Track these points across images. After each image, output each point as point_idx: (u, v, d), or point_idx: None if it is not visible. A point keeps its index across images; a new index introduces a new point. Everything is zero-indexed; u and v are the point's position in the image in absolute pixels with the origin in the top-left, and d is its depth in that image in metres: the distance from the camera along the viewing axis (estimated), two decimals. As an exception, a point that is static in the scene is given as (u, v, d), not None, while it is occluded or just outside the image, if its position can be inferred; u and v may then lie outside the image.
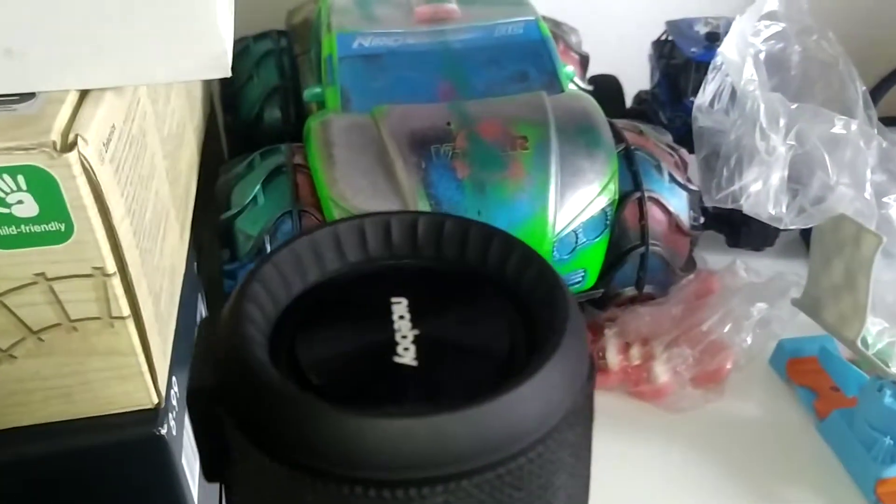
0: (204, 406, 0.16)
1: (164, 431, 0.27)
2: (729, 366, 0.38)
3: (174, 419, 0.28)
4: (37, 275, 0.24)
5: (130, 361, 0.26)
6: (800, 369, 0.40)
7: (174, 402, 0.29)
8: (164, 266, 0.29)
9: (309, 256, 0.18)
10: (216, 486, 0.34)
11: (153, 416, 0.27)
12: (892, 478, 0.34)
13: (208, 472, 0.17)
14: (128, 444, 0.27)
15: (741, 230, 0.45)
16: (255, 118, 0.46)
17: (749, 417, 0.39)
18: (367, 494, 0.14)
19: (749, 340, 0.37)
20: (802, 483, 0.36)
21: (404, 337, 0.17)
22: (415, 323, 0.17)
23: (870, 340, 0.37)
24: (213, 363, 0.16)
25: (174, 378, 0.29)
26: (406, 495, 0.14)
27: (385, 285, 0.18)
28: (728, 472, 0.36)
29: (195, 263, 0.36)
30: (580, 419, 0.16)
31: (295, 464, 0.15)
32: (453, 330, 0.17)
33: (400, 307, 0.18)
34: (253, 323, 0.16)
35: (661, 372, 0.37)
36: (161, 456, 0.28)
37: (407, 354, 0.17)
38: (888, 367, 0.36)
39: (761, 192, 0.35)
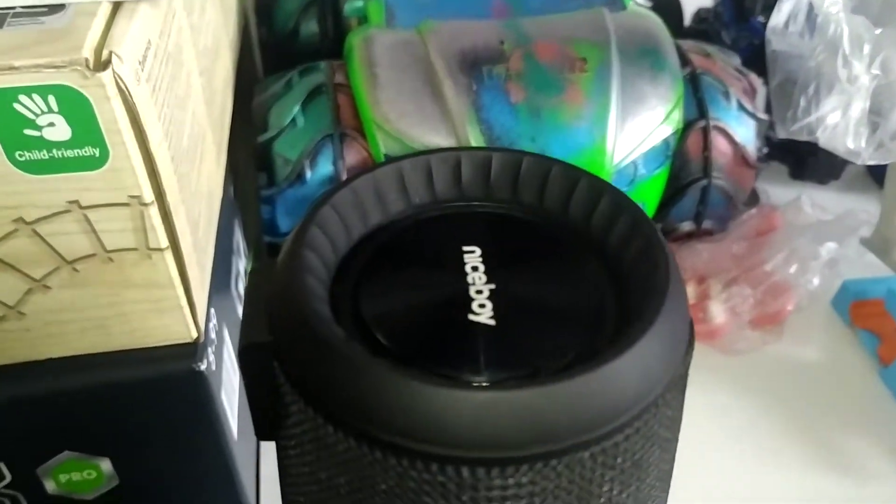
0: (258, 364, 0.14)
1: (203, 367, 0.26)
2: (790, 307, 0.36)
3: (213, 353, 0.27)
4: (70, 202, 0.22)
5: (169, 294, 0.25)
6: (864, 312, 0.38)
7: (213, 336, 0.27)
8: (201, 192, 0.28)
9: (370, 197, 0.16)
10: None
11: (192, 350, 0.26)
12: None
13: (260, 432, 0.16)
14: (166, 379, 0.26)
15: (807, 161, 0.42)
16: (290, 31, 0.44)
17: (808, 361, 0.37)
18: (444, 473, 0.13)
19: (816, 282, 0.35)
20: (862, 431, 0.34)
21: (479, 292, 0.15)
22: (490, 276, 0.15)
23: (942, 284, 0.34)
24: (269, 317, 0.15)
25: (212, 310, 0.28)
26: (487, 476, 0.13)
27: (455, 231, 0.16)
28: (783, 417, 0.35)
29: (231, 187, 0.35)
30: (678, 391, 0.14)
31: (362, 434, 0.13)
32: (532, 285, 0.16)
33: (472, 257, 0.16)
34: (311, 272, 0.15)
35: (718, 312, 0.36)
36: (200, 392, 0.26)
37: (483, 312, 0.15)
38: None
39: (839, 124, 0.32)
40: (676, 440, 0.16)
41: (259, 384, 0.15)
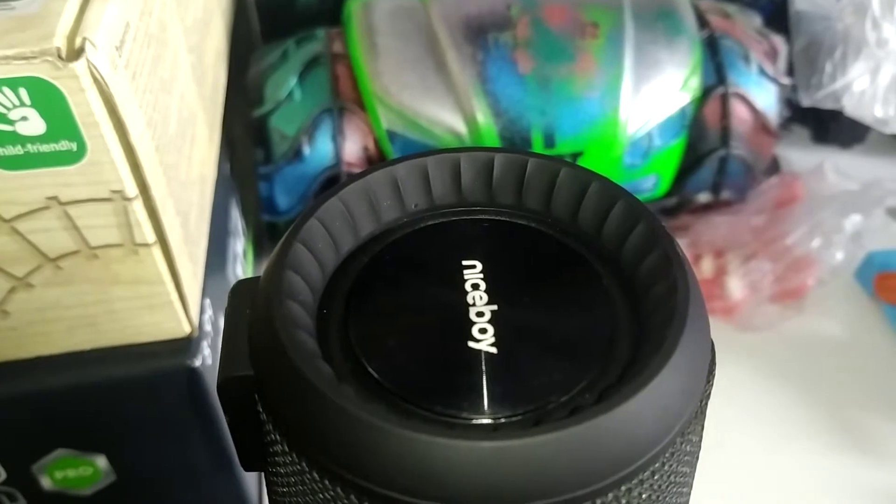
0: (239, 398, 0.13)
1: (197, 363, 0.25)
2: (811, 282, 0.34)
3: (208, 346, 0.26)
4: (49, 198, 0.21)
5: (158, 290, 0.23)
6: (889, 285, 0.36)
7: (208, 328, 0.26)
8: (192, 179, 0.26)
9: (362, 206, 0.15)
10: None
11: (185, 345, 0.25)
12: None
13: (245, 464, 0.15)
14: (159, 376, 0.25)
15: (829, 125, 0.40)
16: (288, -5, 0.42)
17: (829, 337, 0.36)
18: (441, 528, 0.12)
19: (840, 256, 0.34)
20: (885, 408, 0.33)
21: (480, 314, 0.14)
22: (491, 295, 0.14)
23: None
24: (250, 347, 0.13)
25: (207, 301, 0.26)
26: (487, 531, 0.12)
27: (454, 243, 0.15)
28: (803, 396, 0.33)
29: (228, 164, 0.33)
30: (698, 424, 0.13)
31: (350, 485, 0.12)
32: (538, 305, 0.14)
33: (473, 273, 0.14)
34: (294, 297, 0.13)
35: (737, 287, 0.34)
36: (195, 387, 0.25)
37: (484, 338, 0.13)
38: None
39: (867, 90, 0.30)
40: (694, 471, 0.15)
41: (241, 419, 0.13)
